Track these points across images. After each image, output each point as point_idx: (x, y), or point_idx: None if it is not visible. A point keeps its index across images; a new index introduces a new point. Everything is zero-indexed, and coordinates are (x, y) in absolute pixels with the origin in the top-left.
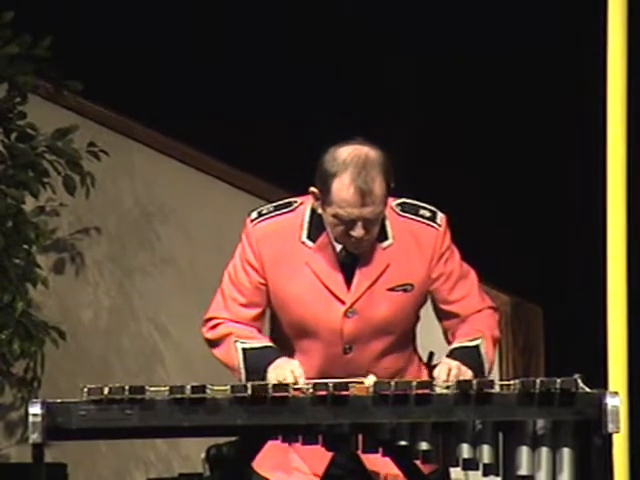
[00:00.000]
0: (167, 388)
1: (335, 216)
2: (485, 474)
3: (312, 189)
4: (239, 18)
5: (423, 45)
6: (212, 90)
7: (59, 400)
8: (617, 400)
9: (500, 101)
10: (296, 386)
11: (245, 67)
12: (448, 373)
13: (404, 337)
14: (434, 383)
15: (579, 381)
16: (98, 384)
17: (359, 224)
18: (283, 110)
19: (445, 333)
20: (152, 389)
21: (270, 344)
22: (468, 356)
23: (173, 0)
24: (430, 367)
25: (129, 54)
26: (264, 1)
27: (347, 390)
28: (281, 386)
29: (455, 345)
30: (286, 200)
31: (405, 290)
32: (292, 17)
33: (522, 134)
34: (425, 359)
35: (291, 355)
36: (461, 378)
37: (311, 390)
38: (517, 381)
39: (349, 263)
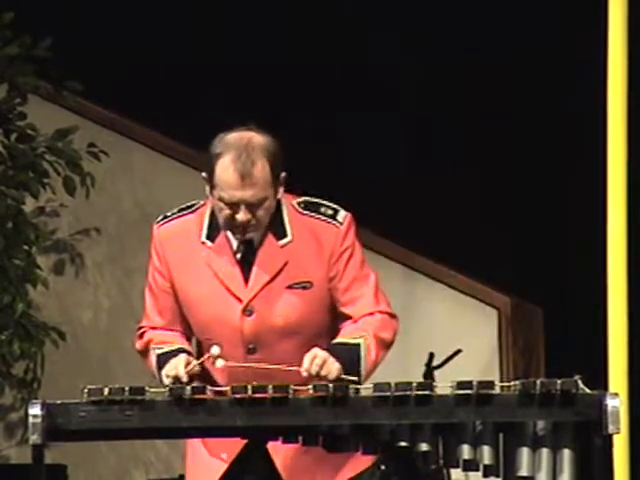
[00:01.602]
0: (167, 389)
1: (220, 199)
2: (485, 475)
3: (202, 174)
4: (239, 18)
5: (423, 45)
6: (212, 90)
7: (59, 401)
8: (617, 401)
9: (501, 101)
10: (178, 381)
11: (245, 67)
12: (311, 361)
13: (315, 338)
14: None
15: (579, 382)
16: (98, 385)
17: (242, 207)
18: (283, 110)
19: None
20: (152, 390)
21: (181, 346)
22: (344, 352)
23: (173, 0)
24: (431, 368)
25: (129, 54)
26: (264, 1)
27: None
28: (281, 387)
29: (335, 341)
30: (190, 202)
31: (304, 288)
32: (292, 17)
33: (522, 134)
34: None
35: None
36: (325, 370)
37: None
38: (517, 382)
39: (247, 261)
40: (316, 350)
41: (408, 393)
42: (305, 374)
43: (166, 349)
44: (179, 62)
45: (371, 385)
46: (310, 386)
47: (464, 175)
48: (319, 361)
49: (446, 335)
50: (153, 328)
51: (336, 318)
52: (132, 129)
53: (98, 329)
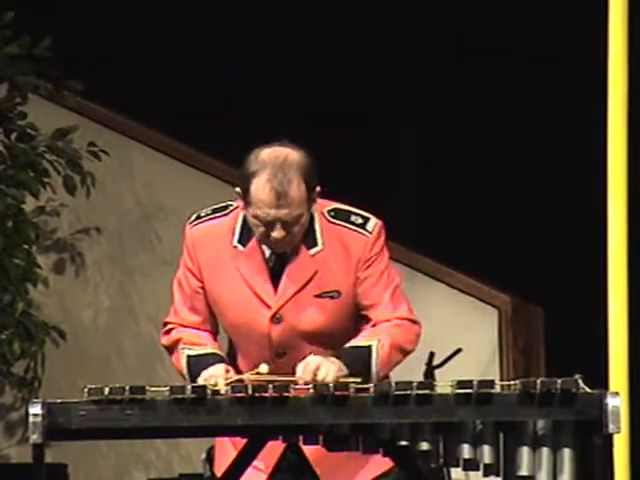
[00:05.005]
0: (167, 388)
1: (255, 217)
2: (486, 474)
3: (236, 189)
4: (239, 18)
5: (422, 47)
6: (212, 90)
7: (59, 400)
8: (617, 400)
9: (502, 102)
10: (215, 388)
11: (246, 67)
12: (304, 369)
13: (343, 342)
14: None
15: (579, 381)
16: (98, 384)
17: (278, 225)
18: (284, 111)
19: None
20: (152, 389)
21: (213, 350)
22: (354, 355)
23: (174, 0)
24: (431, 368)
25: (129, 54)
26: (265, 2)
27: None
28: (281, 386)
29: (347, 344)
30: (224, 203)
31: (332, 297)
32: (292, 18)
33: (522, 134)
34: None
35: (237, 358)
36: (320, 374)
37: (230, 392)
38: (518, 381)
39: (278, 269)
40: (309, 358)
41: (408, 392)
42: (301, 382)
43: (198, 351)
44: (180, 62)
45: (371, 385)
46: (310, 385)
47: (464, 174)
48: (311, 367)
49: (446, 334)
50: (182, 325)
51: (361, 321)
52: (132, 128)
53: (98, 328)
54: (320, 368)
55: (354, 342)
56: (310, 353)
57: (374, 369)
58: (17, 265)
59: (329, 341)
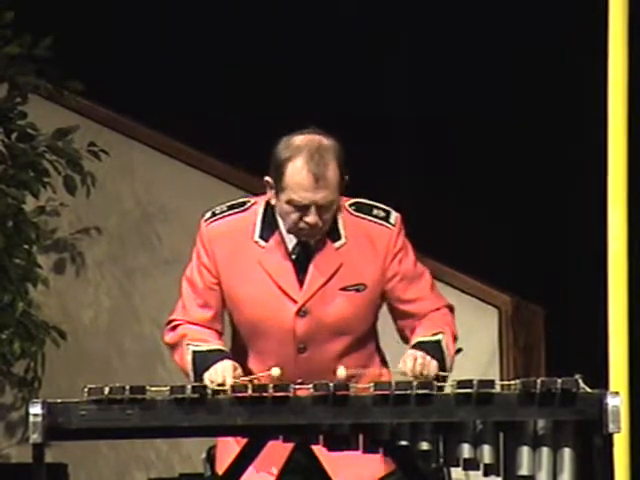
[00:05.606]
0: (168, 388)
1: (289, 202)
2: (486, 474)
3: (266, 178)
4: (239, 18)
5: (422, 46)
6: (213, 90)
7: (59, 400)
8: (618, 400)
9: (501, 101)
10: (221, 387)
11: (246, 67)
12: (414, 362)
13: (362, 337)
14: (400, 371)
15: (580, 381)
16: (99, 384)
17: (312, 210)
18: (284, 111)
19: (401, 331)
20: (153, 389)
21: (219, 347)
22: (431, 349)
23: (174, 0)
24: None
25: (130, 54)
26: (265, 2)
27: (347, 390)
28: (282, 386)
29: (418, 339)
30: (240, 200)
31: (358, 290)
32: (292, 18)
33: (522, 133)
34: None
35: (246, 357)
36: (426, 370)
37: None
38: (518, 381)
39: (302, 262)
40: (413, 351)
41: (409, 392)
42: (410, 374)
43: (203, 347)
44: (180, 61)
45: (371, 384)
46: (310, 385)
47: (465, 174)
48: (421, 360)
49: None
50: (189, 322)
51: (377, 318)
52: (133, 128)
53: (98, 328)
54: (425, 362)
55: (421, 337)
56: (332, 348)
57: (448, 362)
58: (17, 265)
59: (351, 336)
